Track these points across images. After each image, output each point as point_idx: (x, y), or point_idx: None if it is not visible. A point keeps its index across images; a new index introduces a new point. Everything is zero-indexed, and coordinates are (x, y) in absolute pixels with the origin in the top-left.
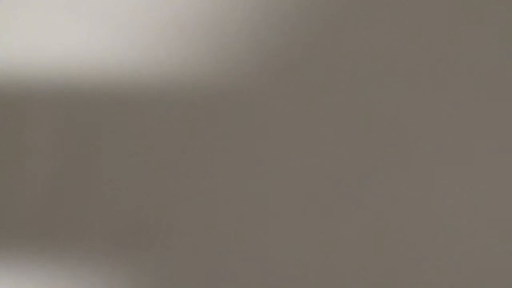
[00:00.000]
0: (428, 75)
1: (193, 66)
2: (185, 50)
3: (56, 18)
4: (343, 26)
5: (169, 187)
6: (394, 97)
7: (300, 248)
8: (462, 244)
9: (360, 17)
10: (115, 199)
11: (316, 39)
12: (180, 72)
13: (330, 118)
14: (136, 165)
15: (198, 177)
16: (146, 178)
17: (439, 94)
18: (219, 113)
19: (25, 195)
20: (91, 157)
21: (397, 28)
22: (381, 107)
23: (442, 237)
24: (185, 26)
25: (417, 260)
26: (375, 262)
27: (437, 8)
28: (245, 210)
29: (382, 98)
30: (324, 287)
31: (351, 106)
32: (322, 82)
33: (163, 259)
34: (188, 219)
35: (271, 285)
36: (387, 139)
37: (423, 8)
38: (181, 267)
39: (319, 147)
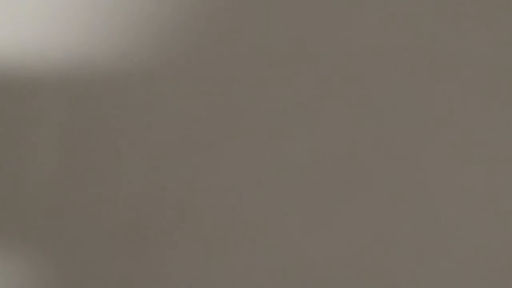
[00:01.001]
0: (429, 72)
1: (194, 61)
2: (186, 45)
3: (56, 12)
4: (343, 21)
5: (171, 185)
6: (394, 95)
7: (300, 247)
8: (462, 243)
9: (360, 13)
10: (117, 196)
11: (316, 34)
12: (182, 66)
13: (330, 115)
14: (137, 163)
15: (200, 174)
16: (148, 175)
17: (439, 92)
18: (221, 111)
19: (25, 192)
20: (92, 155)
21: (398, 23)
22: (381, 105)
23: (442, 237)
24: (185, 20)
25: (417, 259)
26: (375, 262)
27: (436, 6)
28: (245, 208)
29: (382, 96)
30: (324, 286)
31: (351, 103)
32: (321, 78)
33: (164, 258)
34: (190, 216)
35: (271, 283)
36: (387, 138)
37: (423, 6)
38: (182, 266)
39: (319, 144)
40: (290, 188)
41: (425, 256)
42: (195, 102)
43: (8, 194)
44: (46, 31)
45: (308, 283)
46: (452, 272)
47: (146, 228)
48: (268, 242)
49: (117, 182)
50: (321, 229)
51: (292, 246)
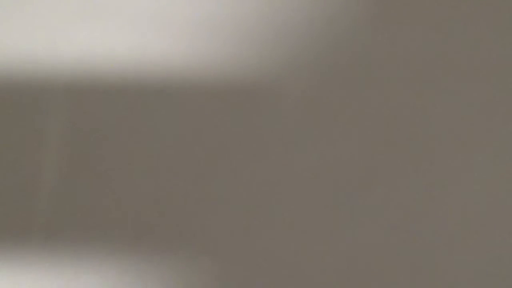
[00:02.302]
0: (433, 76)
1: (198, 64)
2: (190, 49)
3: (63, 15)
4: (349, 24)
5: (174, 185)
6: (398, 98)
7: (303, 249)
8: (466, 245)
9: (366, 16)
10: (120, 196)
11: (322, 37)
12: (186, 69)
13: (335, 118)
14: (141, 164)
15: (204, 175)
16: (151, 176)
17: (442, 95)
18: (225, 113)
19: (29, 193)
20: (96, 156)
21: (404, 28)
22: (385, 108)
23: (446, 239)
24: (193, 23)
25: (421, 261)
26: (378, 264)
27: (439, 8)
28: (250, 210)
29: (386, 99)
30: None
31: (356, 106)
32: (327, 82)
33: (166, 258)
34: (193, 216)
35: (274, 285)
36: (391, 140)
37: (426, 8)
38: (184, 266)
39: (324, 147)
40: (292, 192)
41: (428, 259)
42: (201, 105)
43: (15, 195)
44: (59, 33)
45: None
46: (454, 275)
47: (154, 227)
48: (273, 243)
49: (124, 182)
50: (323, 235)
51: (295, 247)
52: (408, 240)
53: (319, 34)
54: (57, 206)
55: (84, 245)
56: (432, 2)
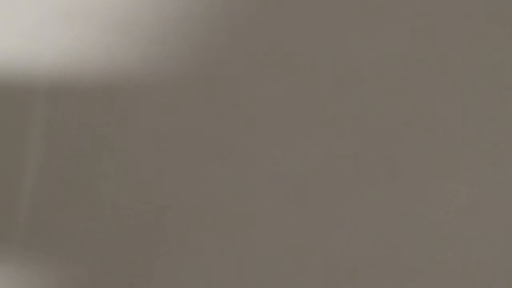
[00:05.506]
0: (428, 75)
1: (188, 64)
2: (181, 49)
3: (43, 17)
4: (342, 24)
5: (168, 188)
6: (394, 98)
7: (299, 249)
8: (462, 245)
9: (358, 15)
10: (114, 199)
11: (315, 37)
12: (177, 69)
13: (330, 117)
14: (135, 166)
15: (198, 177)
16: (146, 178)
17: (438, 95)
18: (218, 113)
19: (23, 195)
20: (90, 157)
21: (396, 27)
22: (380, 107)
23: (442, 238)
24: (181, 24)
25: (416, 261)
26: (374, 264)
27: (435, 7)
28: (244, 211)
29: (381, 99)
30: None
31: (351, 106)
32: (320, 81)
33: (162, 261)
34: (189, 218)
35: (270, 285)
36: (387, 140)
37: (421, 7)
38: (181, 269)
39: (318, 146)
40: (289, 191)
41: (424, 260)
42: (195, 106)
43: (8, 196)
44: (41, 34)
45: (303, 284)
46: (451, 275)
47: (148, 231)
48: (269, 249)
49: (118, 186)
50: (315, 233)
51: (291, 248)
52: (400, 240)
53: (310, 31)
54: (36, 214)
55: (65, 251)
56: None
